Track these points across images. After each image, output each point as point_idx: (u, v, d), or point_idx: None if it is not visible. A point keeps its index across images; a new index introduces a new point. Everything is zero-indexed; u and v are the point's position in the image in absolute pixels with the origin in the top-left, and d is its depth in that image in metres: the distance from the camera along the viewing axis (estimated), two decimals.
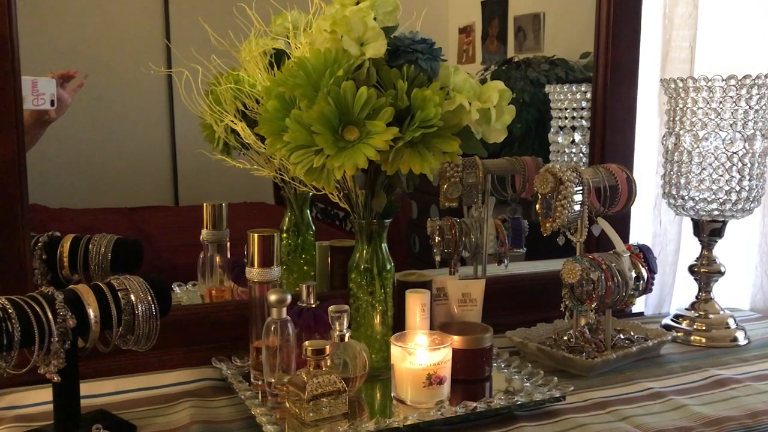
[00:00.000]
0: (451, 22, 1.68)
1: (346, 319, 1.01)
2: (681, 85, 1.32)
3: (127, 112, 1.37)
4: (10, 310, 0.84)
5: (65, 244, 1.17)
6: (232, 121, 1.16)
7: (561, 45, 1.64)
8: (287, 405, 0.96)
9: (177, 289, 1.33)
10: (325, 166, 0.94)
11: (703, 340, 1.35)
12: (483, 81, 1.03)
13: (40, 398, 1.01)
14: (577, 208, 1.21)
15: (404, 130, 0.94)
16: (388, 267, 1.10)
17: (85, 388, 1.00)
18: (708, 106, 1.29)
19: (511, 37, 1.65)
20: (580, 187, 1.21)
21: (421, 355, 0.99)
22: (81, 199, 1.33)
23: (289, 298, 1.00)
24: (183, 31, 1.35)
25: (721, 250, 1.40)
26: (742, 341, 1.35)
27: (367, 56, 0.95)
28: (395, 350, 1.01)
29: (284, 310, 1.00)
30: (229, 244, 1.31)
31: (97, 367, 1.08)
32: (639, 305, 1.55)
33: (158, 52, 1.33)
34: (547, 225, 1.21)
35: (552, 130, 1.60)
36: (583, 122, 1.55)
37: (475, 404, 0.98)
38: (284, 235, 1.30)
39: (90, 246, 1.17)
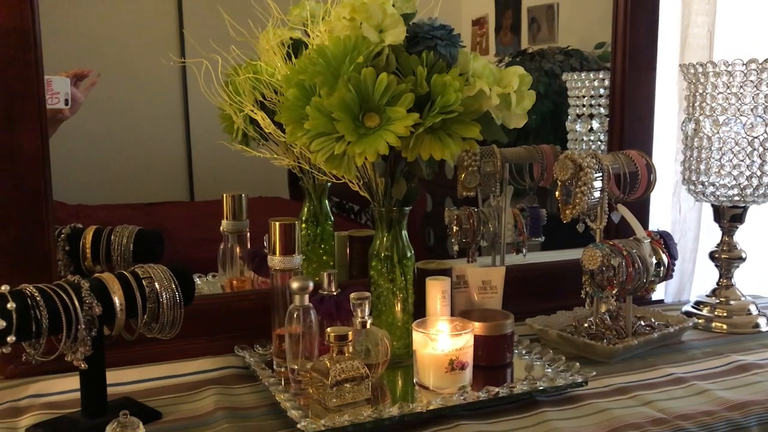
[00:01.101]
0: (464, 14, 1.68)
1: (367, 306, 1.02)
2: (700, 69, 1.31)
3: (142, 108, 1.38)
4: (38, 298, 0.85)
5: (88, 235, 1.18)
6: (252, 111, 1.16)
7: (575, 35, 1.63)
8: (311, 391, 0.97)
9: (198, 281, 1.34)
10: (346, 153, 0.94)
11: (725, 326, 1.34)
12: None
13: (67, 386, 1.03)
14: (596, 194, 1.20)
15: (425, 115, 0.94)
16: (409, 255, 1.10)
17: (111, 376, 1.01)
18: (728, 90, 1.28)
19: (525, 28, 1.65)
20: (600, 174, 1.20)
21: (443, 340, 1.00)
22: (98, 195, 1.34)
23: (311, 285, 1.00)
24: (196, 23, 1.35)
25: (741, 236, 1.39)
26: (764, 327, 1.34)
27: (386, 43, 0.95)
28: (417, 336, 1.01)
29: (306, 297, 1.01)
30: (248, 234, 1.32)
31: (122, 356, 1.09)
32: (659, 293, 1.54)
33: (172, 47, 1.34)
34: (567, 212, 1.21)
35: (569, 118, 1.60)
36: (601, 110, 1.54)
37: (497, 389, 0.98)
38: (303, 225, 1.31)
39: (112, 237, 1.19)
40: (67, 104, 1.16)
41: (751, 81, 1.26)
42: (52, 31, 1.18)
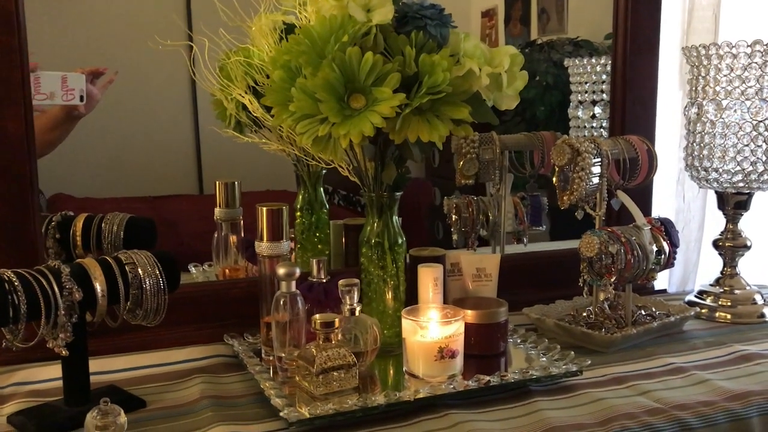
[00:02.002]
0: (473, 6, 1.66)
1: (356, 293, 1.00)
2: (703, 52, 1.27)
3: (150, 101, 1.37)
4: (16, 283, 0.84)
5: (78, 223, 1.17)
6: (241, 95, 1.14)
7: (585, 26, 1.60)
8: (297, 379, 0.95)
9: (193, 270, 1.33)
10: (331, 135, 0.92)
11: (729, 316, 1.31)
12: None
13: (52, 374, 1.01)
14: (595, 180, 1.17)
15: (412, 96, 0.91)
16: (400, 241, 1.08)
17: (98, 364, 1.00)
18: (732, 73, 1.24)
19: (534, 19, 1.62)
20: (599, 159, 1.17)
21: (432, 328, 0.97)
22: (106, 188, 1.33)
23: (298, 271, 0.98)
24: (204, 16, 1.33)
25: (746, 223, 1.35)
26: None
27: (373, 22, 0.93)
28: (407, 324, 0.99)
29: (293, 283, 0.99)
30: (242, 222, 1.30)
31: (109, 344, 1.08)
32: (662, 283, 1.51)
33: (178, 36, 1.32)
34: (565, 198, 1.18)
35: (572, 104, 1.57)
36: (604, 96, 1.51)
37: (488, 378, 0.96)
38: (298, 213, 1.29)
39: (103, 225, 1.17)
40: (82, 100, 1.15)
41: (756, 63, 1.22)
42: (60, 30, 1.18)
